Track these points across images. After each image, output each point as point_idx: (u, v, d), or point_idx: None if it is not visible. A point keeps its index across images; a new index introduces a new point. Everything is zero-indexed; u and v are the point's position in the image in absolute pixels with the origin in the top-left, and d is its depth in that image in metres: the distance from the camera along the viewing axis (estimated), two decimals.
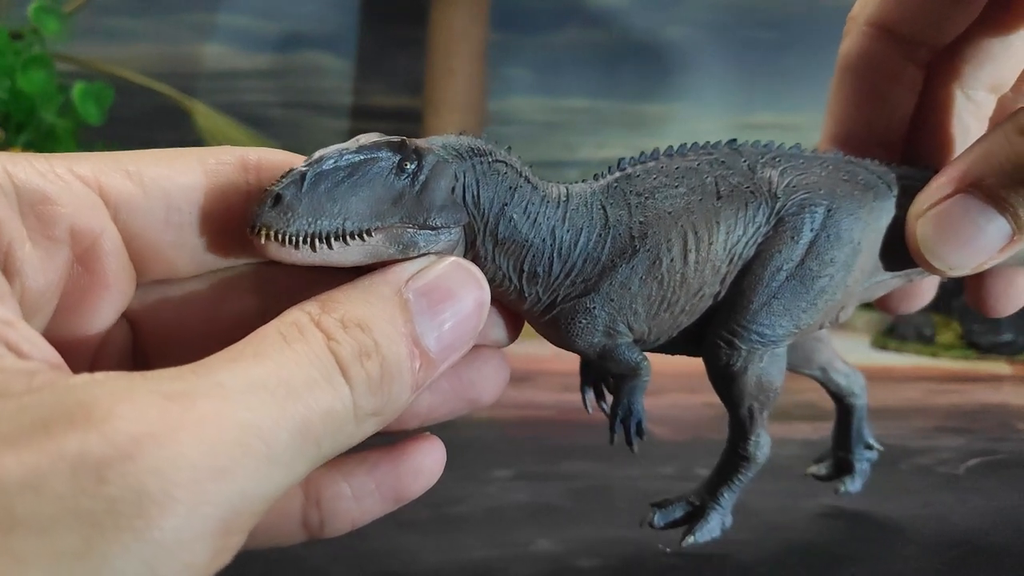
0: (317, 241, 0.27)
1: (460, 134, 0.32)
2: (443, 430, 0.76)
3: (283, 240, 0.27)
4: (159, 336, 0.30)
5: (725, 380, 0.36)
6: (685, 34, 2.03)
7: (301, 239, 0.27)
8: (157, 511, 0.20)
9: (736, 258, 0.35)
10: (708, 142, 0.36)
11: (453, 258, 0.29)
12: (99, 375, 0.21)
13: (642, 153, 0.36)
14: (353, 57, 1.75)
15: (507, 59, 1.73)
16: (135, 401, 0.21)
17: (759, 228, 0.35)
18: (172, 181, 0.28)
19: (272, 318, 0.25)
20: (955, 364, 1.12)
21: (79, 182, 0.26)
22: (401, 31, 1.69)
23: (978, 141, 0.35)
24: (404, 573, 0.42)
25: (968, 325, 1.18)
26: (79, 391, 0.21)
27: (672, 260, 0.34)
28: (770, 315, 0.35)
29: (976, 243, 0.34)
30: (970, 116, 0.43)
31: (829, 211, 0.35)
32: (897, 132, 0.43)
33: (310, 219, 0.27)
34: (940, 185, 0.35)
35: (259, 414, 0.22)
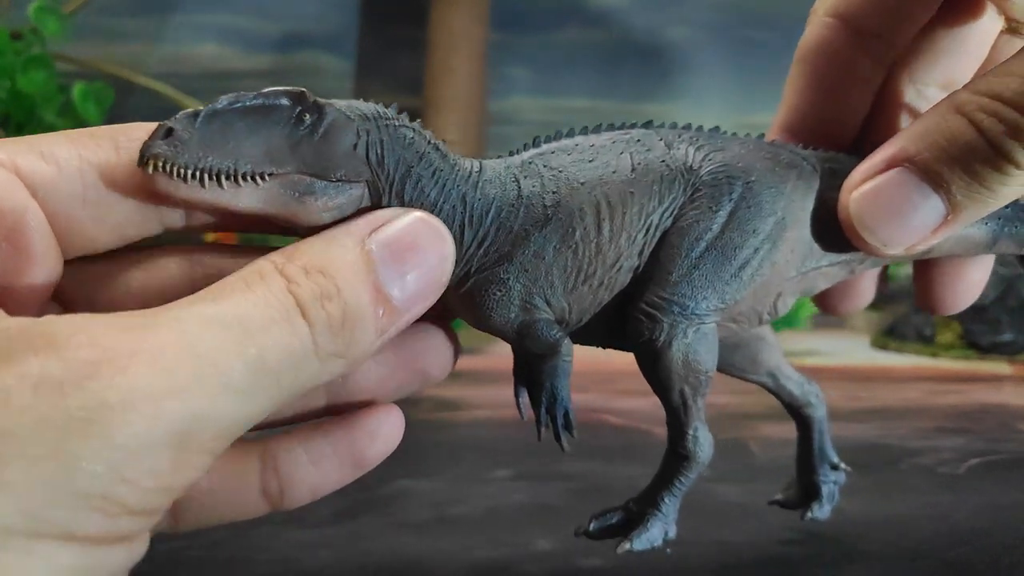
0: (206, 177, 0.27)
1: (364, 100, 0.32)
2: (443, 430, 0.76)
3: (171, 172, 0.27)
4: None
5: (650, 359, 0.34)
6: (685, 34, 2.03)
7: (190, 173, 0.27)
8: (119, 419, 0.22)
9: (652, 228, 0.34)
10: (624, 123, 0.36)
11: (418, 212, 0.29)
12: (60, 316, 0.23)
13: (558, 132, 0.36)
14: (353, 57, 1.75)
15: (507, 59, 1.73)
16: (93, 331, 0.23)
17: (675, 199, 0.34)
18: (85, 160, 0.28)
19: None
20: (955, 364, 1.12)
21: None
22: (401, 31, 1.69)
23: (916, 120, 0.34)
24: (404, 573, 0.42)
25: (968, 325, 1.18)
26: (41, 324, 0.23)
27: (585, 229, 0.33)
28: (691, 286, 0.34)
29: (909, 219, 0.33)
30: (922, 112, 0.42)
31: (748, 183, 0.35)
32: (850, 126, 0.42)
33: (200, 153, 0.27)
34: (876, 160, 0.34)
35: (214, 346, 0.23)
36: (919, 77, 0.41)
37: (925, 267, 0.41)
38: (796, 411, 0.44)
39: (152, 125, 0.28)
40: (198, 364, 0.23)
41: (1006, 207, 0.38)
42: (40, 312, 0.29)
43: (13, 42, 1.12)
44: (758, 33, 1.77)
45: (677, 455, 0.36)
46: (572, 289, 0.34)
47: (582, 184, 0.34)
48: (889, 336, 1.25)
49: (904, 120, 0.41)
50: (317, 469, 0.32)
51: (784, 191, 0.35)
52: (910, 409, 0.83)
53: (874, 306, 1.44)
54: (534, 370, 0.34)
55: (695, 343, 0.34)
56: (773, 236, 0.35)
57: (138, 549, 0.25)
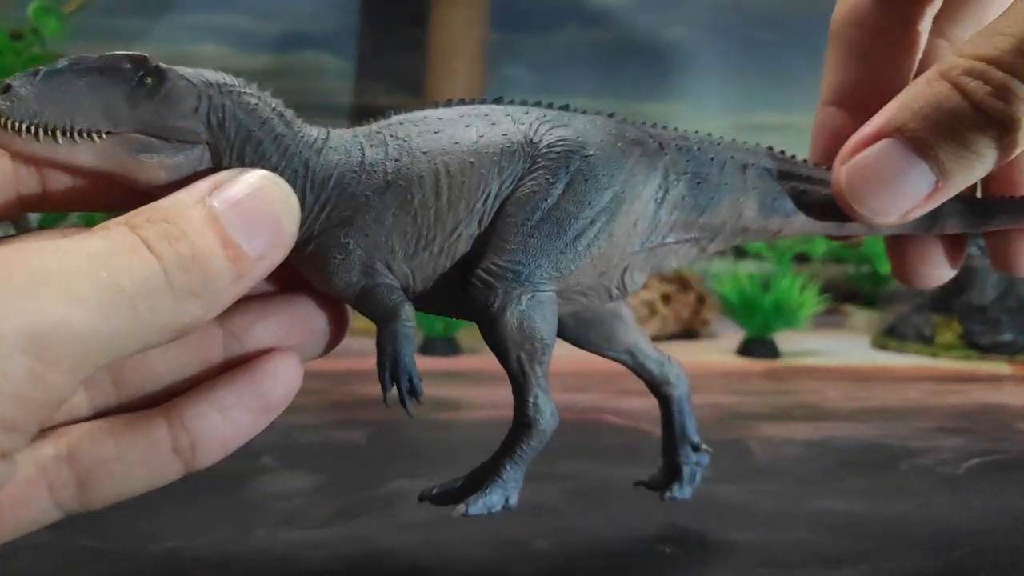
0: (42, 131, 0.29)
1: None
2: (442, 430, 0.76)
3: (7, 125, 0.28)
4: None
5: (487, 325, 0.35)
6: (685, 34, 2.03)
7: (24, 126, 0.28)
8: None
9: (491, 197, 0.35)
10: (475, 100, 0.36)
11: (259, 171, 0.30)
12: None
13: (410, 106, 0.36)
14: (353, 57, 1.75)
15: (507, 59, 1.73)
16: None
17: (515, 171, 0.35)
18: None
19: None
20: (955, 364, 1.12)
21: None
22: (401, 31, 1.69)
23: (905, 89, 0.34)
24: (404, 573, 0.42)
25: (968, 325, 1.18)
26: None
27: (424, 196, 0.34)
28: (526, 254, 0.34)
29: (899, 188, 0.33)
30: None
31: (586, 157, 0.35)
32: (893, 95, 0.42)
33: (37, 108, 0.29)
34: (865, 132, 0.34)
35: (60, 263, 0.25)
36: (952, 34, 0.42)
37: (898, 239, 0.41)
38: (656, 389, 0.44)
39: None
40: (46, 277, 0.24)
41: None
42: None
43: (13, 42, 1.12)
44: (758, 33, 1.77)
45: (519, 423, 0.36)
46: (413, 255, 0.35)
47: (424, 153, 0.35)
48: (889, 336, 1.25)
49: None
50: (225, 420, 0.32)
51: (625, 166, 0.36)
52: (910, 409, 0.83)
53: (874, 306, 1.44)
54: (378, 336, 0.35)
55: (529, 310, 0.35)
56: (611, 209, 0.35)
57: (10, 470, 0.25)
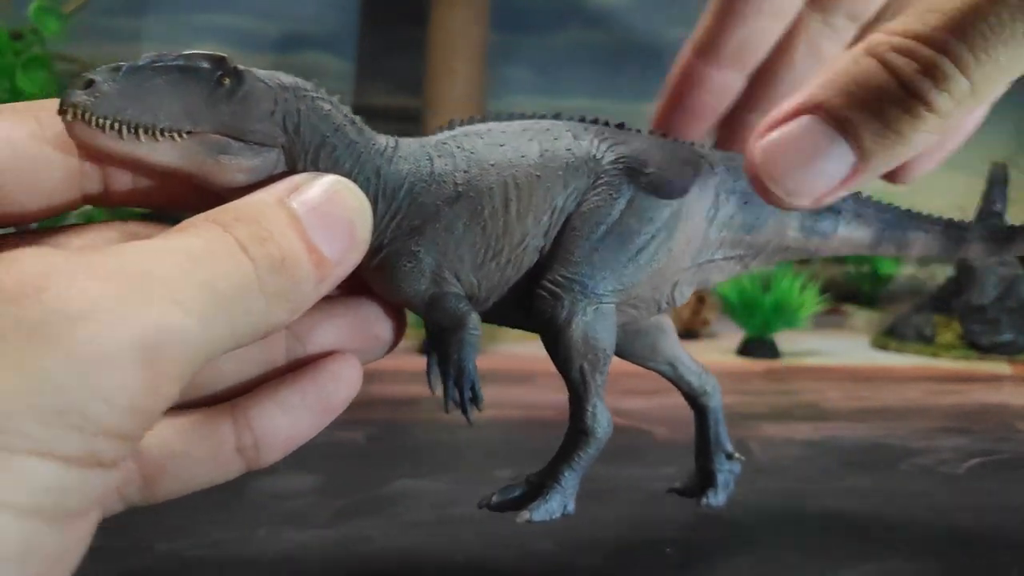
0: (125, 128, 0.28)
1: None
2: (443, 430, 0.76)
3: (90, 121, 0.28)
4: None
5: (552, 336, 0.36)
6: (685, 34, 2.02)
7: (108, 123, 0.28)
8: (81, 326, 0.22)
9: (557, 211, 0.36)
10: (535, 113, 0.37)
11: (333, 175, 0.30)
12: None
13: (472, 118, 0.37)
14: (353, 58, 1.75)
15: (507, 59, 1.73)
16: (41, 254, 0.23)
17: (579, 185, 0.36)
18: (10, 132, 0.29)
19: None
20: (955, 364, 1.12)
21: None
22: (401, 31, 1.69)
23: (828, 64, 0.32)
24: (404, 574, 0.42)
25: (968, 325, 1.18)
26: None
27: (494, 208, 0.35)
28: (591, 267, 0.35)
29: (816, 167, 0.31)
30: (827, 41, 0.42)
31: (647, 175, 0.36)
32: (756, 54, 0.42)
33: (120, 104, 0.28)
34: (784, 109, 0.33)
35: (164, 269, 0.24)
36: (827, 6, 0.42)
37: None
38: (693, 400, 0.45)
39: None
40: (150, 282, 0.23)
41: (887, 213, 0.41)
42: None
43: (13, 42, 1.12)
44: None
45: (576, 430, 0.37)
46: (480, 265, 0.35)
47: (492, 165, 0.35)
48: (889, 336, 1.25)
49: (801, 52, 0.42)
50: (289, 419, 0.32)
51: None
52: (910, 409, 0.83)
53: (874, 306, 1.44)
54: (443, 343, 0.36)
55: (594, 321, 0.36)
56: (670, 225, 0.37)
57: (113, 477, 0.24)
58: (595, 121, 0.38)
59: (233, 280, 0.25)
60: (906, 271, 1.56)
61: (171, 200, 0.32)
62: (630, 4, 1.79)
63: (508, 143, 0.36)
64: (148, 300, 0.23)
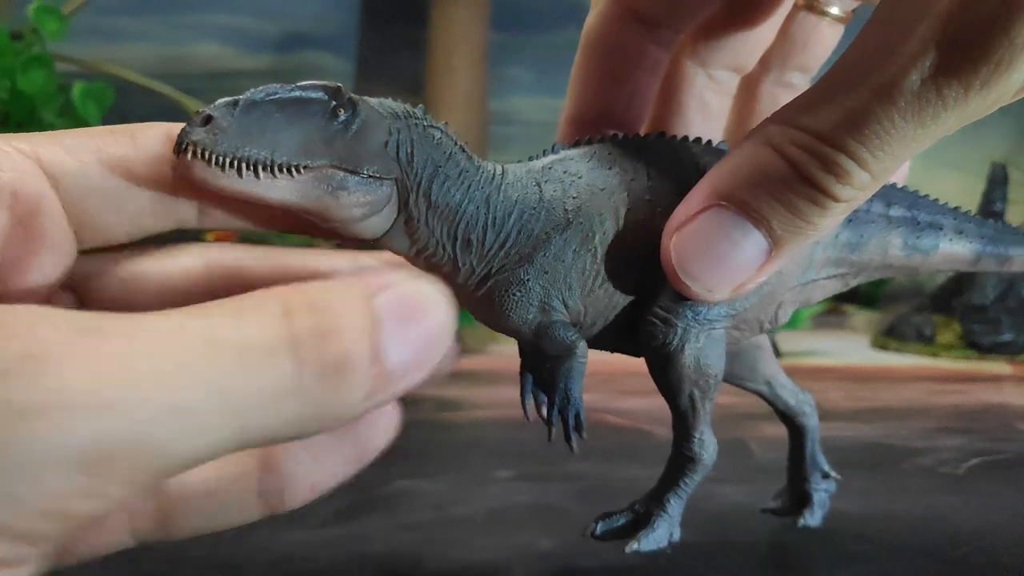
0: (244, 167, 0.27)
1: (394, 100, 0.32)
2: (444, 430, 0.76)
3: (210, 159, 0.27)
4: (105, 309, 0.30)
5: (662, 362, 0.35)
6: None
7: (228, 161, 0.27)
8: (22, 427, 0.19)
9: None
10: (639, 134, 0.37)
11: (430, 277, 0.26)
12: (34, 306, 0.21)
13: (577, 141, 0.36)
14: (353, 57, 1.75)
15: (507, 59, 1.73)
16: (41, 326, 0.20)
17: None
18: (104, 152, 0.29)
19: (221, 293, 0.23)
20: (955, 364, 1.12)
21: (17, 152, 0.28)
22: (401, 31, 1.69)
23: (727, 155, 0.33)
24: (405, 574, 0.42)
25: (968, 325, 1.18)
26: (1, 312, 0.20)
27: (605, 234, 0.34)
28: None
29: (732, 259, 0.32)
30: (712, 95, 0.42)
31: None
32: (638, 114, 0.42)
33: (239, 143, 0.27)
34: (691, 202, 0.33)
35: (173, 362, 0.20)
36: (709, 61, 0.41)
37: None
38: (790, 420, 0.45)
39: (169, 125, 0.29)
40: (139, 378, 0.20)
41: (987, 228, 0.40)
42: (47, 299, 0.29)
43: (13, 42, 1.12)
44: None
45: (683, 457, 0.36)
46: (589, 292, 0.35)
47: (601, 190, 0.35)
48: (889, 336, 1.25)
49: (694, 108, 0.42)
50: (319, 466, 0.31)
51: None
52: (910, 409, 0.83)
53: (874, 306, 1.44)
54: (549, 371, 0.35)
55: (706, 347, 0.35)
56: None
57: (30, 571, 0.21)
58: (697, 140, 0.37)
59: (261, 384, 0.21)
60: None
61: (269, 223, 0.31)
62: None
63: (615, 165, 0.35)
64: (125, 400, 0.19)
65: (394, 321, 0.24)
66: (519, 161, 0.36)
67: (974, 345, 1.17)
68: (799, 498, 0.45)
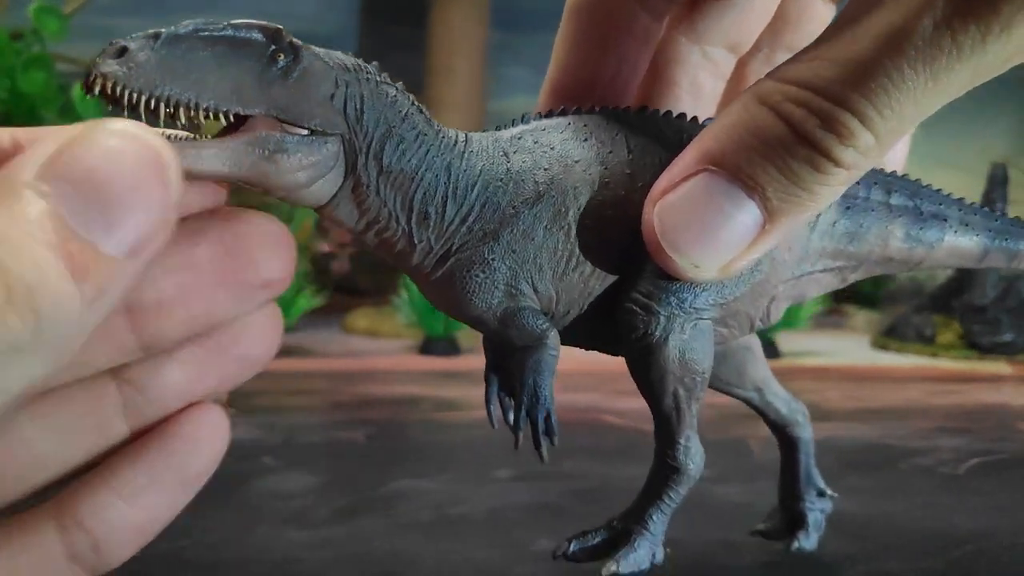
0: (163, 106, 0.23)
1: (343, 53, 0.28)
2: (443, 430, 0.75)
3: (121, 96, 0.23)
4: None
5: (643, 356, 0.31)
6: None
7: (144, 100, 0.23)
8: None
9: None
10: (617, 106, 0.33)
11: (120, 124, 0.20)
12: None
13: (550, 111, 0.33)
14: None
15: (507, 59, 1.73)
16: None
17: None
18: None
19: None
20: (955, 364, 1.12)
21: None
22: (401, 31, 1.69)
23: (719, 115, 0.29)
24: (404, 573, 0.42)
25: (968, 325, 1.18)
26: None
27: (580, 209, 0.31)
28: None
29: (723, 232, 0.28)
30: (706, 75, 0.39)
31: None
32: (625, 87, 0.38)
33: (158, 79, 0.23)
34: (678, 166, 0.29)
35: None
36: (704, 37, 0.38)
37: None
38: (782, 431, 0.41)
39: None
40: None
41: (996, 220, 0.37)
42: None
43: (13, 42, 1.12)
44: None
45: (666, 467, 0.33)
46: (562, 275, 0.31)
47: (576, 162, 0.31)
48: (889, 336, 1.25)
49: (685, 88, 0.38)
50: (135, 507, 0.25)
51: None
52: (910, 409, 0.83)
53: (874, 306, 1.44)
54: (515, 365, 0.31)
55: (692, 339, 0.31)
56: None
57: None
58: (682, 116, 0.33)
59: None
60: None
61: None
62: None
63: (591, 136, 0.32)
64: None
65: (80, 195, 0.19)
66: (497, 128, 0.33)
67: (974, 345, 1.17)
68: (792, 519, 0.41)
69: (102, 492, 0.25)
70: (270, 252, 0.24)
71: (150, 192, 0.20)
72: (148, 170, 0.20)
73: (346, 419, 0.76)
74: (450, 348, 1.08)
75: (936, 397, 0.89)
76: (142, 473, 0.25)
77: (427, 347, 1.09)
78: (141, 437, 0.25)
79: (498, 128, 0.32)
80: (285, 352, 1.03)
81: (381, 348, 1.16)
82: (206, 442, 0.25)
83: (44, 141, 0.20)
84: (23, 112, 1.13)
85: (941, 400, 0.88)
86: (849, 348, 1.23)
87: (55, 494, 0.25)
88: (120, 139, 0.20)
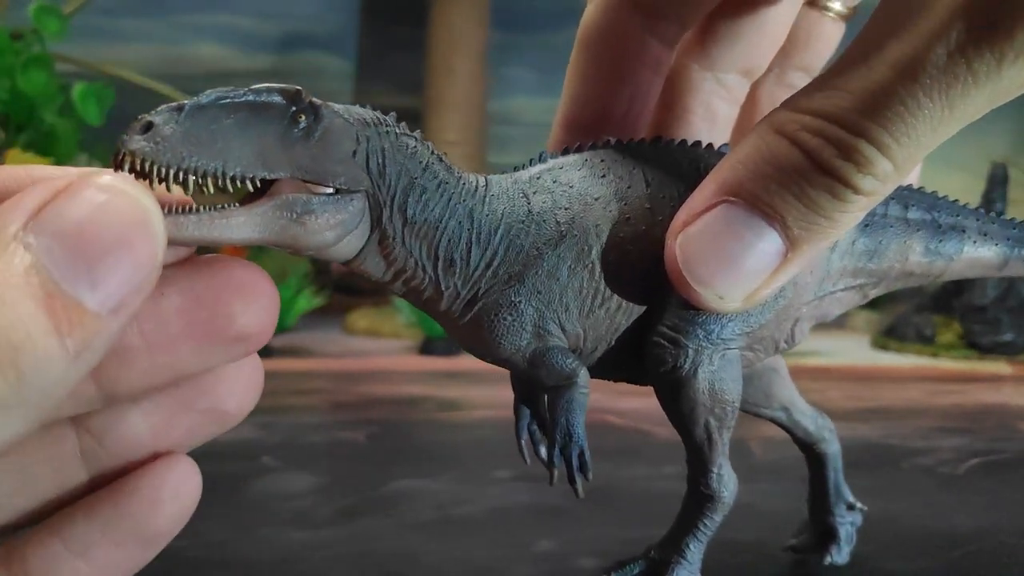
0: (191, 178, 0.23)
1: (363, 105, 0.29)
2: (444, 430, 0.76)
3: (151, 173, 0.23)
4: None
5: (673, 390, 0.32)
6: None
7: (172, 174, 0.23)
8: None
9: None
10: (632, 139, 0.33)
11: (105, 178, 0.20)
12: None
13: (567, 148, 0.33)
14: (353, 57, 1.75)
15: (507, 59, 1.73)
16: None
17: None
18: None
19: None
20: (955, 364, 1.12)
21: None
22: (401, 31, 1.69)
23: (735, 147, 0.29)
24: (405, 574, 0.42)
25: (968, 325, 1.18)
26: None
27: (603, 247, 0.31)
28: None
29: (745, 262, 0.29)
30: (720, 101, 0.39)
31: None
32: (638, 117, 0.38)
33: (185, 152, 0.23)
34: (697, 198, 0.29)
35: None
36: (717, 64, 0.38)
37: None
38: (810, 448, 0.41)
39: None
40: None
41: (1014, 228, 0.37)
42: None
43: (13, 42, 1.12)
44: None
45: (700, 495, 0.33)
46: (588, 313, 0.32)
47: (596, 200, 0.32)
48: (889, 336, 1.25)
49: (700, 115, 0.38)
50: (89, 563, 0.24)
51: None
52: (910, 409, 0.83)
53: (874, 306, 1.44)
54: (548, 405, 0.32)
55: (721, 370, 0.32)
56: None
57: None
58: (697, 144, 0.33)
59: None
60: None
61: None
62: None
63: (609, 172, 0.32)
64: None
65: (63, 249, 0.19)
66: (515, 169, 0.33)
67: (974, 345, 1.17)
68: (823, 533, 0.42)
69: (53, 543, 0.24)
70: (247, 303, 0.23)
71: (136, 249, 0.20)
72: (135, 227, 0.20)
73: (347, 419, 0.76)
74: (450, 348, 1.07)
75: (936, 397, 0.89)
76: (96, 527, 0.24)
77: (427, 347, 1.09)
78: (99, 489, 0.24)
79: (516, 169, 0.33)
80: (285, 352, 1.03)
81: (381, 348, 1.16)
82: (169, 499, 0.24)
83: (34, 190, 0.20)
84: (23, 112, 1.13)
85: (941, 400, 0.88)
86: (849, 348, 1.23)
87: (5, 541, 0.24)
88: (108, 194, 0.20)
